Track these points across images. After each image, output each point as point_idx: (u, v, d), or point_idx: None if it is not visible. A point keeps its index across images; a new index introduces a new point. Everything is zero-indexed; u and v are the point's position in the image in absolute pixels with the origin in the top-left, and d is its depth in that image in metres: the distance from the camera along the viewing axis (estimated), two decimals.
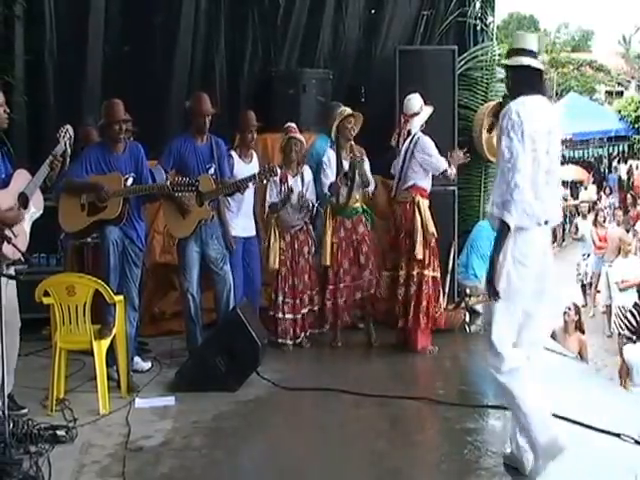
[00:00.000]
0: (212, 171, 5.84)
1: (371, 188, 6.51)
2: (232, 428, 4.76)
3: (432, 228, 6.25)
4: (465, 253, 7.36)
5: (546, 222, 3.89)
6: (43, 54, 7.36)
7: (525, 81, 3.91)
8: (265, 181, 6.02)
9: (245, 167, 6.26)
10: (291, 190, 6.25)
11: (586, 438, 4.44)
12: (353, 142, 6.42)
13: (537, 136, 3.80)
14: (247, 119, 6.30)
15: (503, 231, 3.77)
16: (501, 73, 8.31)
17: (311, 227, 6.58)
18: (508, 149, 3.77)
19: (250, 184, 5.89)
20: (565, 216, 19.80)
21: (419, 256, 6.19)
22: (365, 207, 6.58)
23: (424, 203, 6.29)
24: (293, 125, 6.49)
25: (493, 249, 3.84)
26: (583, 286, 13.99)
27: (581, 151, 25.57)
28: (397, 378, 5.82)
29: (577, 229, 15.61)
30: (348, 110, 6.37)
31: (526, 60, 3.89)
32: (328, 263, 6.40)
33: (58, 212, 5.47)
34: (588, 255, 14.26)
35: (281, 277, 6.44)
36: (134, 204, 5.55)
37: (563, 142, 24.48)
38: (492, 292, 3.79)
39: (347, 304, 6.50)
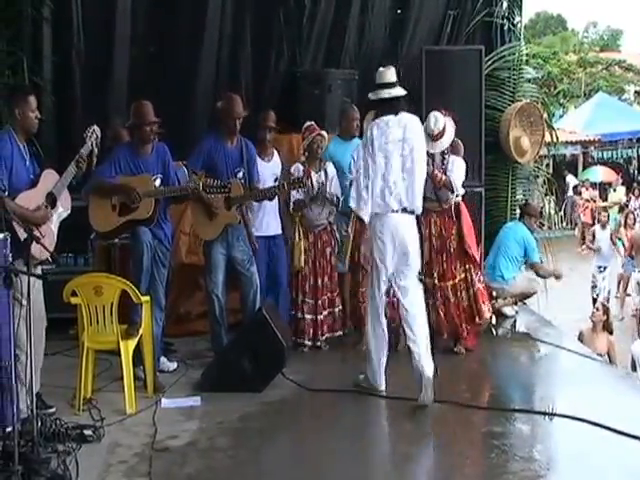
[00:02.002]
0: (240, 175, 5.82)
1: None
2: (258, 429, 4.76)
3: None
4: (492, 254, 7.29)
5: (404, 209, 5.04)
6: (70, 55, 7.39)
7: (384, 107, 5.14)
8: (292, 190, 6.04)
9: (265, 166, 6.21)
10: (321, 184, 6.22)
11: (615, 443, 4.38)
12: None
13: (389, 145, 5.02)
14: (264, 117, 6.27)
15: (358, 218, 5.50)
16: (529, 73, 8.27)
17: (335, 227, 6.54)
18: (361, 158, 5.13)
19: (278, 192, 5.90)
20: (594, 218, 19.55)
21: (474, 256, 6.30)
22: None
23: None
24: (312, 123, 6.40)
25: None
26: (594, 300, 11.92)
27: (610, 152, 25.25)
28: None
29: (594, 238, 13.50)
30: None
31: (383, 93, 5.10)
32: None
33: (88, 212, 5.48)
34: (605, 268, 12.69)
35: (302, 276, 6.38)
36: (162, 205, 5.56)
37: (591, 143, 24.29)
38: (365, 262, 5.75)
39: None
